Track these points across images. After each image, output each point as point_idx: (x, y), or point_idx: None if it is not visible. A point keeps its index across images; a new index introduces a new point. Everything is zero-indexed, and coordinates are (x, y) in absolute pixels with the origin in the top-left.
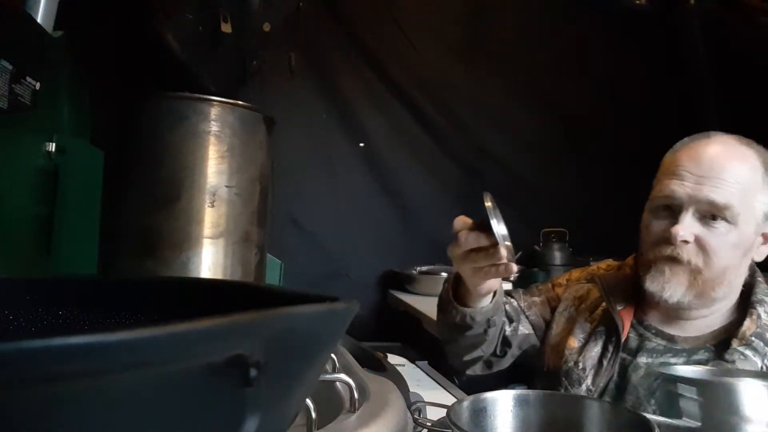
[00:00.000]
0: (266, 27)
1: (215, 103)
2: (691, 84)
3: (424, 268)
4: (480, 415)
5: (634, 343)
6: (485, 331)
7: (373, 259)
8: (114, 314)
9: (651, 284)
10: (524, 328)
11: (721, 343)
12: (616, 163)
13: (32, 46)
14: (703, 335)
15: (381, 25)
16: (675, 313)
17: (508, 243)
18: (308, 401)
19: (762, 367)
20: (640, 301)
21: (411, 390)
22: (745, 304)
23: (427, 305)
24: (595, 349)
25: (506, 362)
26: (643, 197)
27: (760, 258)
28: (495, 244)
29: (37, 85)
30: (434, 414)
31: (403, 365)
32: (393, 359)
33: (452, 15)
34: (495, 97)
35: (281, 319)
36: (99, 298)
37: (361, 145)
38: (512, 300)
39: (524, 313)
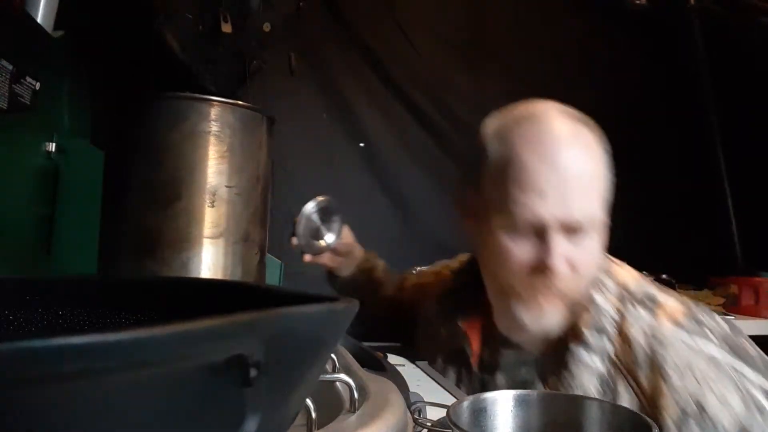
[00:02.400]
0: (266, 27)
1: (215, 103)
2: (691, 84)
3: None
4: (480, 415)
5: (489, 359)
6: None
7: None
8: (114, 314)
9: (526, 315)
10: None
11: (568, 338)
12: (616, 163)
13: (32, 46)
14: (549, 331)
15: (381, 25)
16: None
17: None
18: (308, 401)
19: (605, 369)
20: (486, 308)
21: (411, 390)
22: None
23: None
24: (452, 375)
25: None
26: (643, 197)
27: None
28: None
29: (37, 85)
30: (434, 414)
31: (403, 365)
32: (393, 359)
33: (452, 15)
34: (495, 97)
35: (281, 319)
36: (99, 298)
37: (361, 145)
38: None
39: None
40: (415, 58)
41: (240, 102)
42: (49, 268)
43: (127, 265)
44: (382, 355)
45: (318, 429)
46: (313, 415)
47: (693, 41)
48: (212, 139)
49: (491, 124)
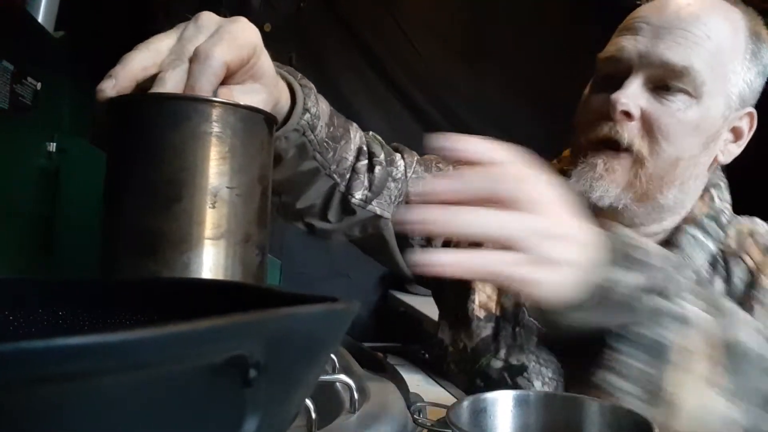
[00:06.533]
0: (267, 27)
1: (216, 103)
2: None
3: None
4: (480, 415)
5: None
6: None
7: (373, 259)
8: (114, 314)
9: (577, 181)
10: (379, 207)
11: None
12: None
13: (33, 47)
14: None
15: (381, 25)
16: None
17: None
18: (308, 402)
19: (716, 253)
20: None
21: (411, 390)
22: None
23: (427, 306)
24: None
25: (337, 235)
26: None
27: (725, 159)
28: None
29: (39, 86)
30: (434, 414)
31: (403, 366)
32: (393, 360)
33: (452, 15)
34: (495, 97)
35: (281, 320)
36: (99, 298)
37: None
38: (396, 160)
39: (403, 182)
40: (415, 58)
41: (241, 103)
42: (49, 268)
43: (127, 266)
44: (382, 355)
45: (318, 430)
46: (313, 415)
47: None
48: (213, 140)
49: None
